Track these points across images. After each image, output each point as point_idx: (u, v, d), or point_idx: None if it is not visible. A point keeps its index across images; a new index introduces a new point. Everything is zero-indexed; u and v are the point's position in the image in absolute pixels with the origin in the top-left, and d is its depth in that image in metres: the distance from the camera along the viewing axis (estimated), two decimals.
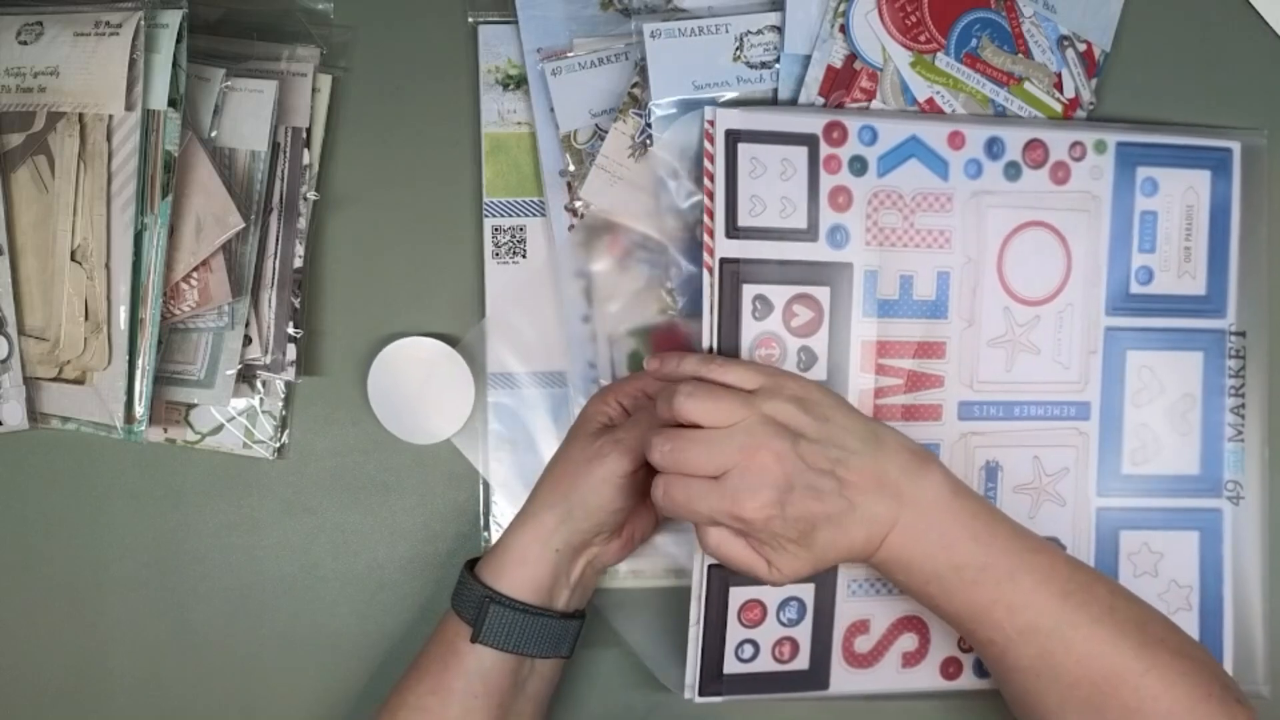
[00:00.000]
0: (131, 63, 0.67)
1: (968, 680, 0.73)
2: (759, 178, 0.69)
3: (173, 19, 0.68)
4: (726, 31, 0.71)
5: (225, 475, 0.75)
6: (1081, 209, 0.72)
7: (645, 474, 0.65)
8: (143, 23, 0.67)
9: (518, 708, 0.68)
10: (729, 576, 0.69)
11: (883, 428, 0.64)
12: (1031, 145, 0.72)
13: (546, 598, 0.67)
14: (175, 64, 0.68)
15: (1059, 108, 0.74)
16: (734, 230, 0.69)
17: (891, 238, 0.70)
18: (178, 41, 0.67)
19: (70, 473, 0.75)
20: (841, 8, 0.71)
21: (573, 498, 0.66)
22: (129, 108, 0.68)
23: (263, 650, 0.75)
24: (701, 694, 0.70)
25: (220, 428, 0.74)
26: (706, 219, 0.69)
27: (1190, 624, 0.73)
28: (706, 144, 0.69)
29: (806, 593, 0.71)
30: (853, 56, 0.72)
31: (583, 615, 0.69)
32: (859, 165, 0.70)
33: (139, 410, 0.69)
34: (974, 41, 0.73)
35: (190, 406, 0.74)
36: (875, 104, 0.72)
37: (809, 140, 0.69)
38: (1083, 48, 0.74)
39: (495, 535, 0.74)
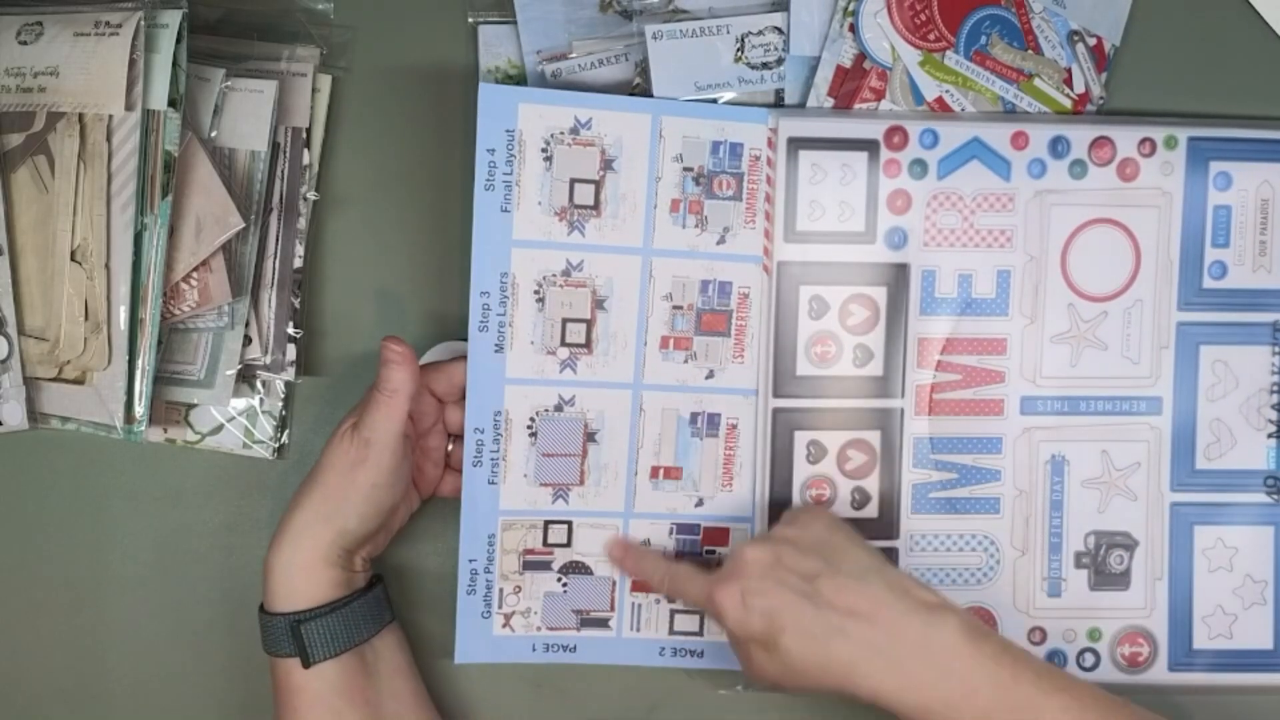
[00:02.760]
0: (131, 63, 0.67)
1: None
2: (819, 183, 0.70)
3: (173, 19, 0.67)
4: (728, 32, 0.71)
5: (225, 475, 0.75)
6: (1151, 205, 0.72)
7: (407, 460, 0.68)
8: (143, 23, 0.67)
9: (386, 688, 0.69)
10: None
11: (895, 571, 0.64)
12: (1099, 143, 0.72)
13: (344, 589, 0.67)
14: (175, 64, 0.68)
15: (1069, 103, 0.73)
16: (793, 234, 0.71)
17: (950, 238, 0.71)
18: (178, 41, 0.67)
19: (70, 473, 0.75)
20: (851, 7, 0.71)
21: (347, 499, 0.67)
22: (129, 108, 0.67)
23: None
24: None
25: (220, 428, 0.74)
26: (766, 222, 0.71)
27: (1265, 619, 0.73)
28: (767, 149, 0.70)
29: None
30: (862, 56, 0.72)
31: (380, 578, 0.71)
32: (919, 169, 0.71)
33: (139, 410, 0.69)
34: (983, 39, 0.72)
35: (190, 406, 0.74)
36: (884, 104, 0.72)
37: (869, 145, 0.71)
38: (1093, 42, 0.73)
39: None
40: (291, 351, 0.73)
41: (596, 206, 0.70)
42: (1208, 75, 0.76)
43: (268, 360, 0.73)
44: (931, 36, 0.72)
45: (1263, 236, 0.73)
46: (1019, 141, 0.71)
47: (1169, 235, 0.72)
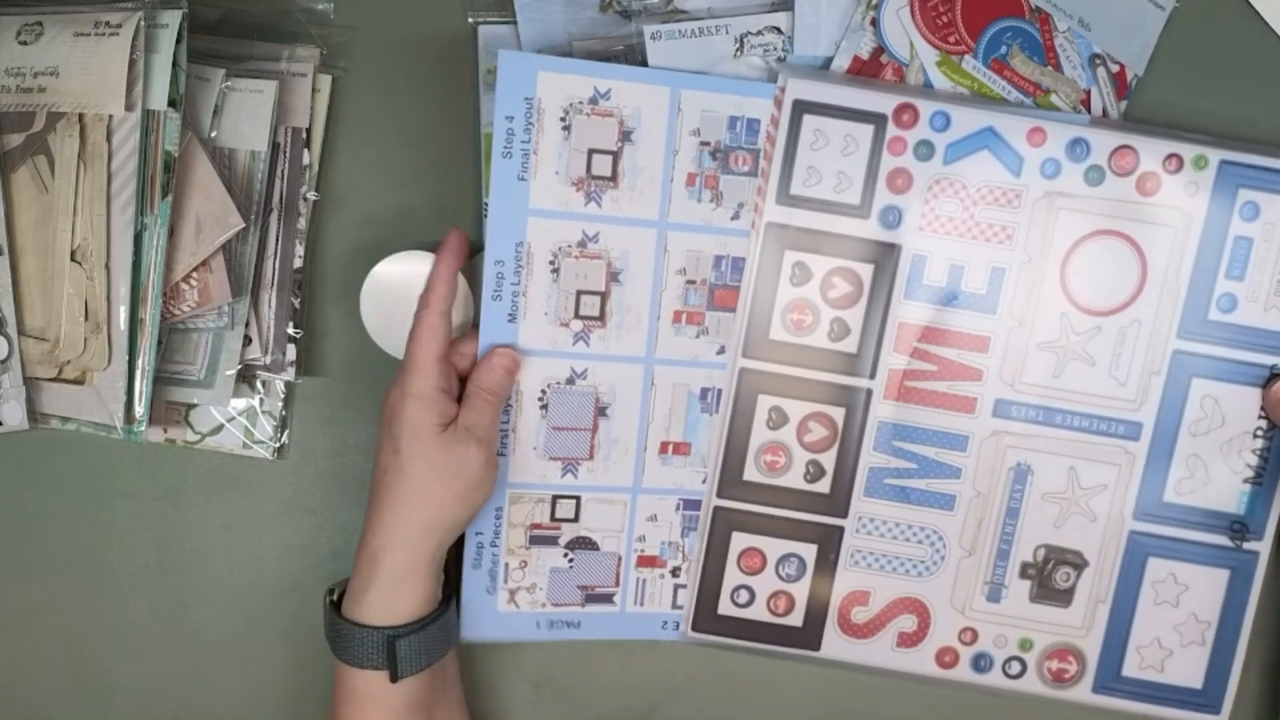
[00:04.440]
0: (131, 63, 0.67)
1: (962, 672, 0.73)
2: (820, 150, 0.69)
3: (173, 19, 0.67)
4: (727, 32, 0.71)
5: (225, 475, 0.75)
6: (1167, 224, 0.70)
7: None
8: (143, 23, 0.67)
9: (445, 698, 0.69)
10: (732, 519, 0.71)
11: None
12: (1120, 151, 0.69)
13: (435, 601, 0.67)
14: (175, 64, 0.68)
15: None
16: (785, 197, 0.70)
17: (948, 226, 0.70)
18: (178, 41, 0.67)
19: (70, 473, 0.75)
20: (874, 0, 0.71)
21: (448, 510, 0.66)
22: (129, 108, 0.68)
23: (263, 650, 0.75)
24: (695, 629, 0.72)
25: (220, 428, 0.74)
26: (760, 180, 0.70)
27: (1200, 660, 0.72)
28: (773, 108, 0.69)
29: (808, 552, 0.72)
30: (880, 50, 0.71)
31: (453, 588, 0.71)
32: (925, 150, 0.69)
33: (139, 410, 0.69)
34: (1004, 48, 0.72)
35: (190, 406, 0.74)
36: None
37: (877, 119, 0.69)
38: (1115, 69, 0.73)
39: None
40: (291, 351, 0.73)
41: (614, 178, 0.70)
42: (1231, 111, 0.74)
43: (268, 360, 0.73)
44: (951, 39, 0.72)
45: None
46: (1035, 138, 0.70)
47: (1181, 259, 0.70)
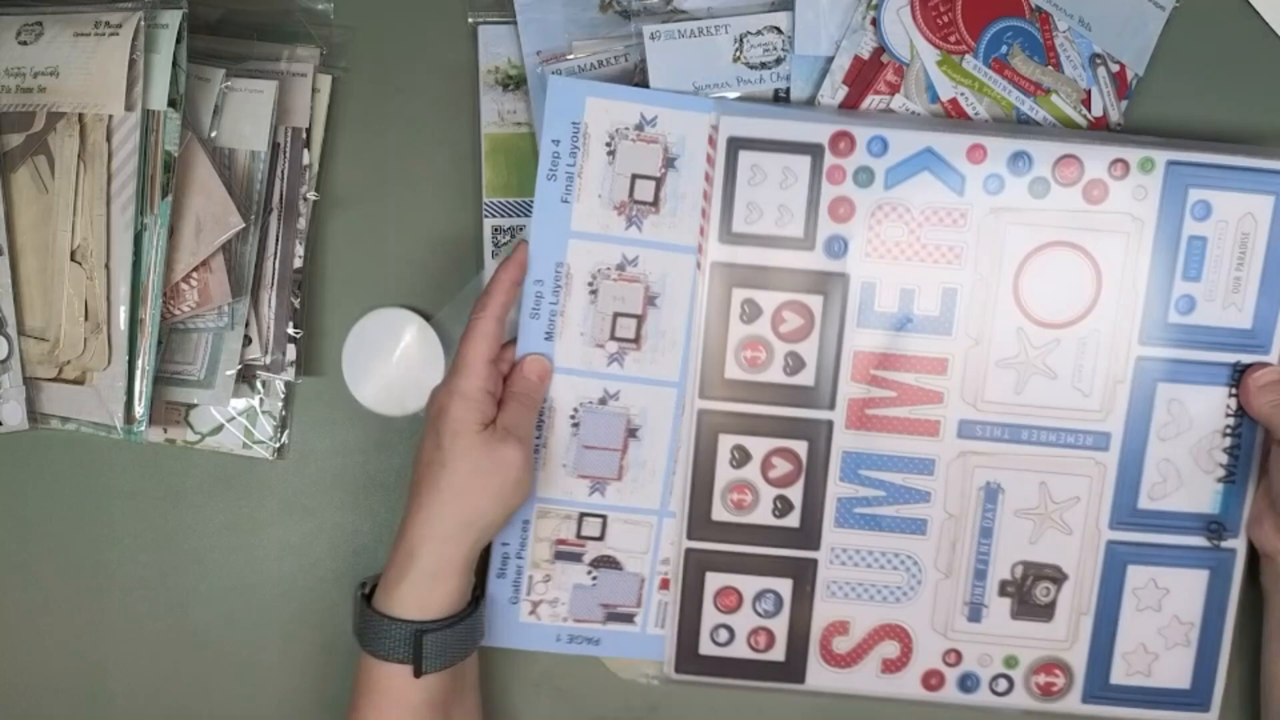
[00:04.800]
0: (131, 63, 0.67)
1: (950, 693, 0.73)
2: (758, 185, 0.69)
3: (173, 19, 0.67)
4: (726, 32, 0.71)
5: (225, 475, 0.75)
6: (1119, 231, 0.69)
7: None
8: (143, 23, 0.67)
9: (463, 701, 0.69)
10: (705, 560, 0.70)
11: None
12: (1064, 161, 0.68)
13: (465, 599, 0.67)
14: (175, 64, 0.68)
15: (1084, 124, 0.72)
16: (728, 235, 0.69)
17: (894, 250, 0.69)
18: (178, 41, 0.67)
19: (70, 473, 0.75)
20: (875, 0, 0.71)
21: (485, 507, 0.66)
22: (129, 108, 0.67)
23: (263, 650, 0.75)
24: (678, 671, 0.72)
25: (220, 428, 0.74)
26: (701, 219, 0.69)
27: (1187, 661, 0.72)
28: (708, 146, 0.69)
29: (784, 587, 0.72)
30: (880, 49, 0.71)
31: (481, 588, 0.70)
32: (865, 176, 0.69)
33: (139, 410, 0.69)
34: (1004, 48, 0.71)
35: (190, 406, 0.74)
36: (898, 98, 0.71)
37: (813, 149, 0.69)
38: (1115, 68, 0.72)
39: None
40: (291, 351, 0.73)
41: (655, 203, 0.69)
42: (1231, 111, 0.74)
43: (268, 360, 0.73)
44: (952, 39, 0.72)
45: (1238, 272, 0.69)
46: (975, 155, 0.68)
47: (1135, 264, 0.69)
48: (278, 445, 0.75)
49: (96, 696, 0.75)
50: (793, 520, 0.71)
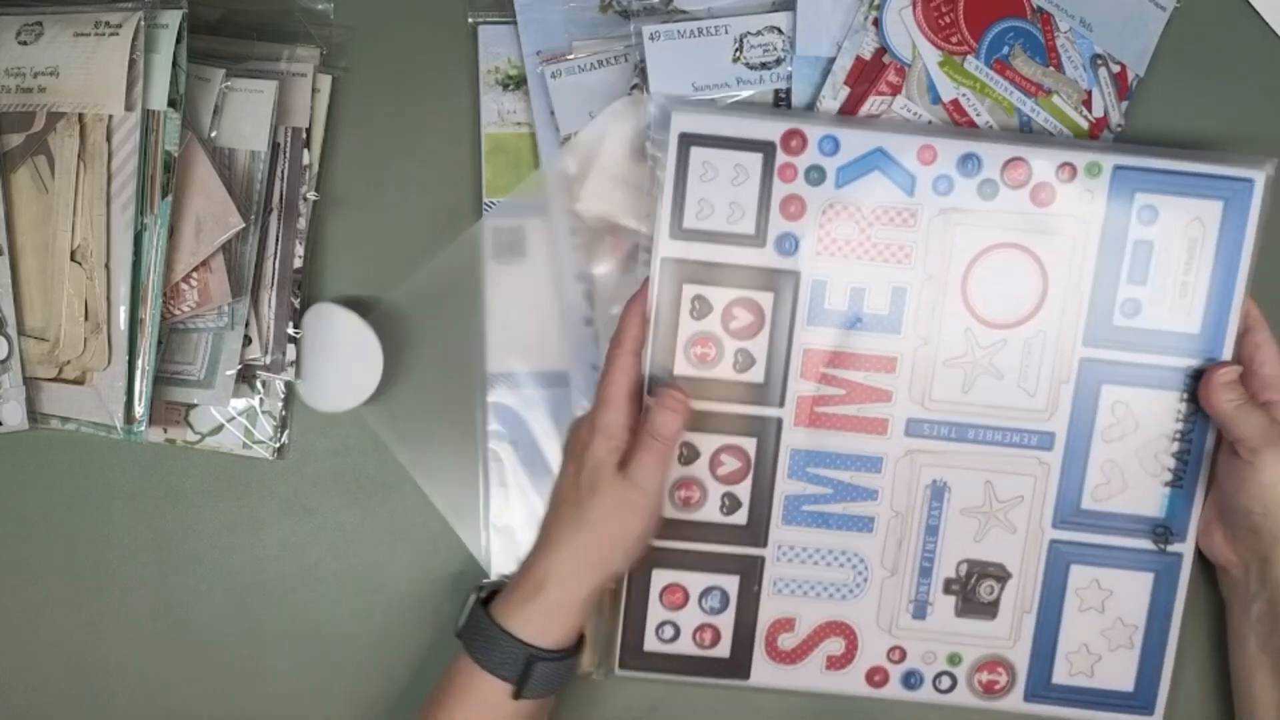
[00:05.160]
0: (131, 63, 0.67)
1: (894, 690, 0.73)
2: (709, 181, 0.69)
3: (173, 19, 0.67)
4: (726, 33, 0.71)
5: (225, 475, 0.75)
6: (1065, 233, 0.69)
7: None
8: (143, 23, 0.67)
9: None
10: (652, 557, 0.71)
11: None
12: (1012, 164, 0.68)
13: (576, 636, 0.67)
14: (175, 64, 0.68)
15: (1085, 125, 0.72)
16: (679, 231, 0.69)
17: (845, 249, 0.69)
18: (178, 41, 0.67)
19: (70, 473, 0.75)
20: (877, 0, 0.71)
21: (613, 556, 0.66)
22: (129, 108, 0.68)
23: (263, 650, 0.75)
24: (622, 667, 0.72)
25: (220, 428, 0.74)
26: (656, 212, 0.69)
27: (1130, 663, 0.72)
28: (665, 144, 0.69)
29: (730, 584, 0.72)
30: (882, 50, 0.71)
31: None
32: (816, 175, 0.69)
33: (139, 410, 0.69)
34: (1006, 49, 0.71)
35: (190, 406, 0.74)
36: (900, 99, 0.71)
37: (765, 147, 0.69)
38: (1116, 69, 0.73)
39: (493, 535, 0.74)
40: (291, 351, 0.73)
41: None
42: (1231, 112, 0.74)
43: (268, 360, 0.73)
44: (954, 39, 0.71)
45: (1186, 277, 0.69)
46: (926, 155, 0.68)
47: (1081, 267, 0.69)
48: (278, 445, 0.75)
49: (96, 696, 0.75)
50: (740, 518, 0.71)
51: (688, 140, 0.69)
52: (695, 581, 0.71)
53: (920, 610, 0.72)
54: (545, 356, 0.74)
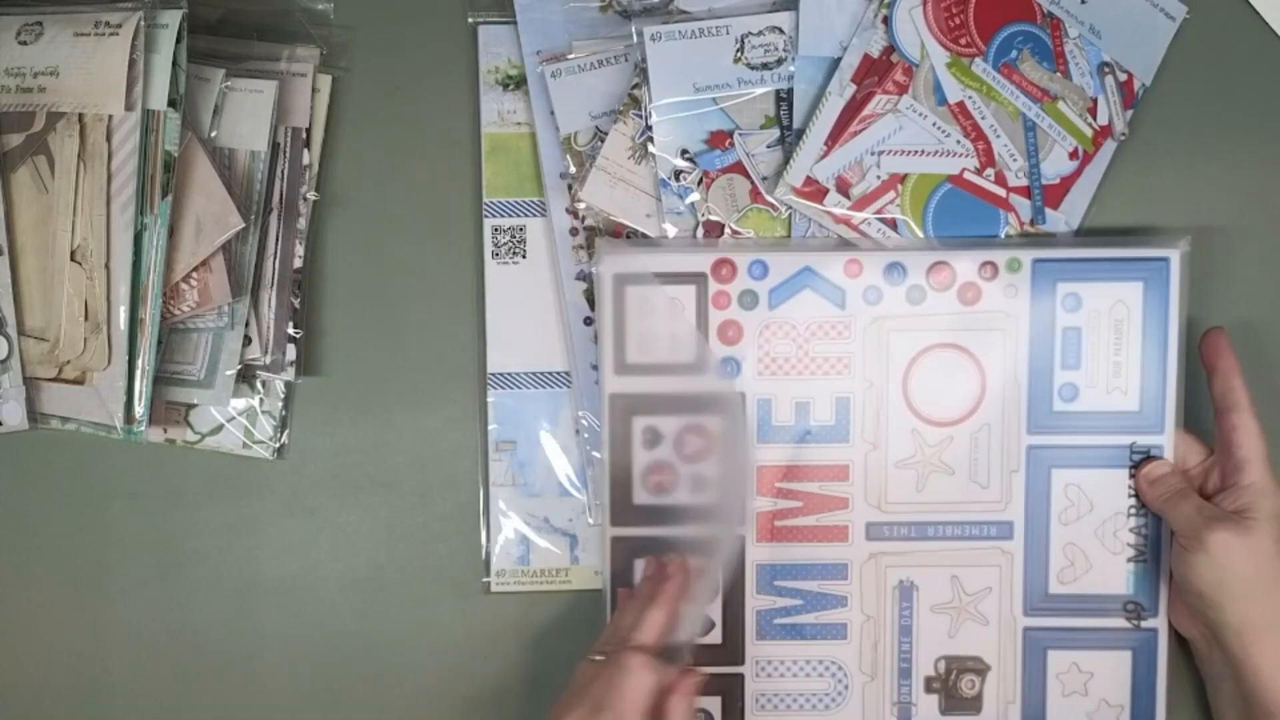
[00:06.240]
0: (131, 63, 0.67)
1: None
2: (647, 317, 0.71)
3: (173, 19, 0.67)
4: (727, 33, 0.71)
5: (225, 475, 0.75)
6: (995, 328, 0.71)
7: None
8: (143, 23, 0.67)
9: None
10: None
11: None
12: (936, 268, 0.70)
13: None
14: (175, 64, 0.68)
15: (1090, 133, 0.72)
16: (623, 367, 0.71)
17: (785, 366, 0.71)
18: (178, 41, 0.67)
19: (70, 473, 0.75)
20: None
21: None
22: (129, 108, 0.68)
23: (263, 650, 0.75)
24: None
25: (220, 428, 0.74)
26: (599, 351, 0.71)
27: None
28: (597, 283, 0.71)
29: (713, 704, 0.72)
30: (890, 49, 0.71)
31: None
32: (749, 299, 0.71)
33: (139, 410, 0.69)
34: (1014, 53, 0.71)
35: (190, 406, 0.74)
36: (905, 99, 0.71)
37: (697, 279, 0.71)
38: (1123, 77, 0.73)
39: (493, 535, 0.74)
40: (291, 351, 0.73)
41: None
42: (1237, 124, 0.74)
43: (268, 360, 0.73)
44: (963, 41, 0.71)
45: (1117, 358, 0.71)
46: (852, 269, 0.70)
47: (1015, 358, 0.71)
48: (278, 445, 0.75)
49: (96, 697, 0.75)
50: (715, 637, 0.72)
51: (622, 281, 0.70)
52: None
53: (905, 712, 0.73)
54: (545, 356, 0.74)
